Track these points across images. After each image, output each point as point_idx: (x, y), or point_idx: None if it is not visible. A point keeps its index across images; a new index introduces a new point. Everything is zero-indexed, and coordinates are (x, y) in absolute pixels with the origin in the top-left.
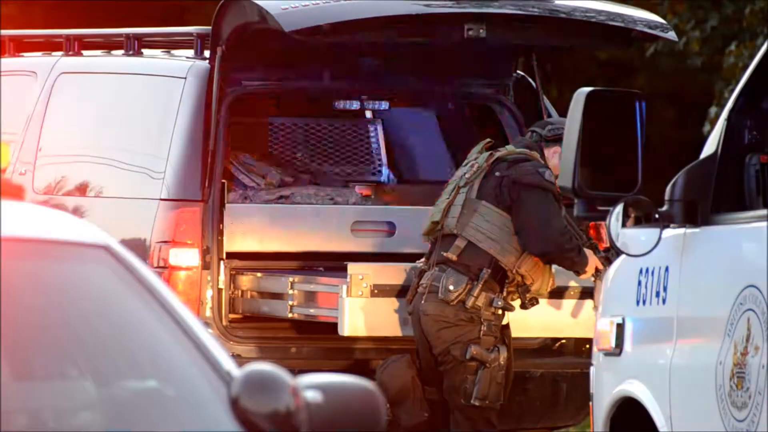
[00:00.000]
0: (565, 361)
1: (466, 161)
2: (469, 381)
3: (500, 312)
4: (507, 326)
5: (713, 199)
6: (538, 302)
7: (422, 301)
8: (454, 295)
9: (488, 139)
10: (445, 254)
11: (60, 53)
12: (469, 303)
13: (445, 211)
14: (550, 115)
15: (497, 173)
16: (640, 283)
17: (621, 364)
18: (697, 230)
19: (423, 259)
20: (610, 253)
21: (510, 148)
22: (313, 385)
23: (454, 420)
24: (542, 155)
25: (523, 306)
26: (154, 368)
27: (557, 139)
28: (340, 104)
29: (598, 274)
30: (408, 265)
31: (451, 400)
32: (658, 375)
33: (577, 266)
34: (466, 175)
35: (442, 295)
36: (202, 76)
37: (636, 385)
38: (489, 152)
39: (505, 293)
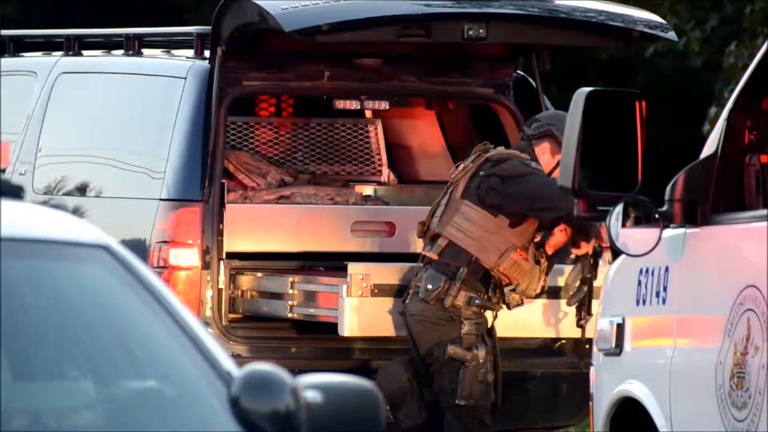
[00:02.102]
0: (565, 361)
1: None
2: (454, 381)
3: (482, 310)
4: (492, 326)
5: (713, 199)
6: (522, 303)
7: (408, 301)
8: (432, 294)
9: (485, 142)
10: (426, 253)
11: (60, 53)
12: (448, 302)
13: (431, 212)
14: None
15: (482, 173)
16: (640, 283)
17: (621, 364)
18: (697, 230)
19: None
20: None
21: (500, 149)
22: (313, 385)
23: (446, 421)
24: (533, 154)
25: (507, 306)
26: (154, 368)
27: (543, 136)
28: (340, 104)
29: (580, 259)
30: (408, 265)
31: (440, 400)
32: (658, 375)
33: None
34: (452, 176)
35: (422, 295)
36: (202, 76)
37: (636, 385)
38: (478, 154)
39: (489, 293)
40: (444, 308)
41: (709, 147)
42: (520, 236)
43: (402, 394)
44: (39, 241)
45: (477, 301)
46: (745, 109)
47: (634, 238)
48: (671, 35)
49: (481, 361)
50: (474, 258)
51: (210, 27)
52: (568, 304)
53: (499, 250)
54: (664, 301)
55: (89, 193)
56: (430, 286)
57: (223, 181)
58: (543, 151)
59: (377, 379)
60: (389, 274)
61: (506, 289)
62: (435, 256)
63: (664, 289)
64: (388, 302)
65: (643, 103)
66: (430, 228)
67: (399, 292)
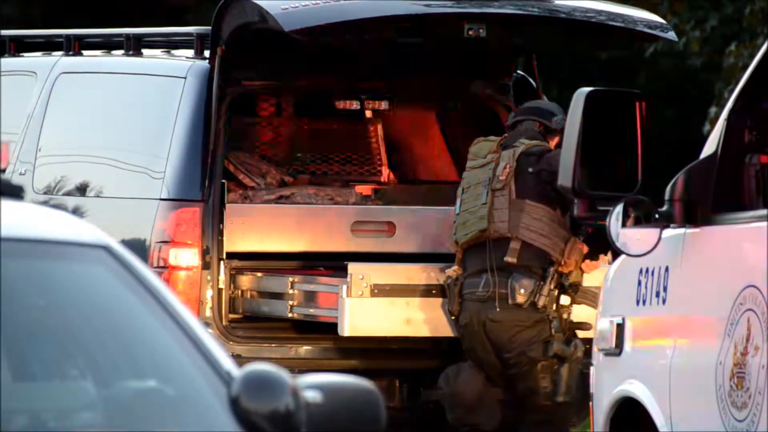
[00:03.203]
0: None
1: (481, 161)
2: (549, 380)
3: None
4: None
5: (713, 199)
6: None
7: (488, 310)
8: (525, 298)
9: (501, 137)
10: (506, 259)
11: (60, 53)
12: (540, 303)
13: (489, 217)
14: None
15: (530, 170)
16: (640, 283)
17: (621, 364)
18: (697, 230)
19: (455, 267)
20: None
21: (526, 141)
22: (313, 385)
23: (529, 422)
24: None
25: (566, 292)
26: (154, 368)
27: (563, 129)
28: (340, 104)
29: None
30: (408, 265)
31: (528, 401)
32: (658, 375)
33: None
34: (501, 177)
35: (517, 300)
36: (202, 76)
37: (636, 385)
38: (510, 150)
39: (552, 285)
40: (536, 309)
41: (709, 147)
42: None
43: (482, 398)
44: (39, 241)
45: (568, 300)
46: (745, 109)
47: (634, 238)
48: (671, 35)
49: (580, 355)
50: (548, 254)
51: (210, 27)
52: None
53: (564, 240)
54: (664, 301)
55: (89, 193)
56: (522, 291)
57: (223, 181)
58: (553, 143)
59: (451, 387)
60: (389, 274)
61: (563, 277)
62: (515, 261)
63: (664, 289)
64: (388, 302)
65: (644, 103)
66: (494, 233)
67: (399, 292)
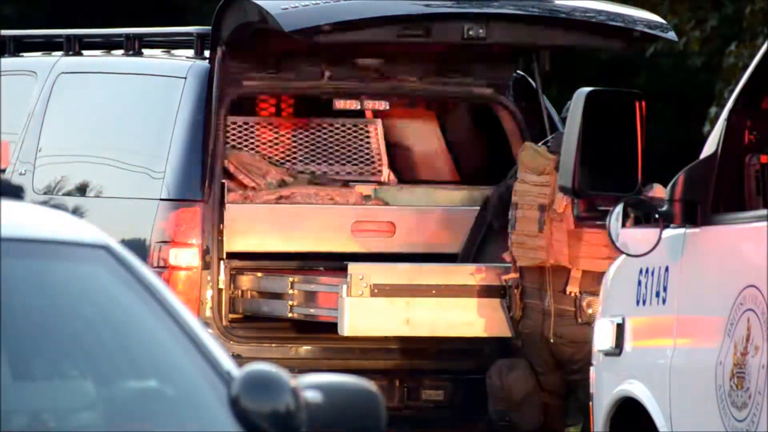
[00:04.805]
0: None
1: (534, 178)
2: None
3: None
4: None
5: (713, 199)
6: None
7: (556, 326)
8: (593, 315)
9: (551, 152)
10: (569, 289)
11: (60, 53)
12: None
13: (548, 248)
14: (550, 115)
15: None
16: (640, 283)
17: (621, 364)
18: (697, 230)
19: (512, 275)
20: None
21: None
22: (313, 385)
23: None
24: None
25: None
26: (154, 368)
27: None
28: (340, 104)
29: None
30: (408, 265)
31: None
32: (658, 375)
33: None
34: (558, 210)
35: (583, 318)
36: (202, 76)
37: (636, 385)
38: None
39: None
40: None
41: (709, 147)
42: None
43: (529, 397)
44: (39, 241)
45: None
46: (745, 109)
47: (634, 238)
48: (671, 35)
49: None
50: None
51: (210, 27)
52: None
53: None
54: (664, 301)
55: (89, 193)
56: (590, 311)
57: (223, 181)
58: None
59: (503, 381)
60: (389, 274)
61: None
62: (577, 289)
63: (664, 289)
64: (388, 302)
65: (643, 103)
66: (554, 263)
67: (399, 292)
